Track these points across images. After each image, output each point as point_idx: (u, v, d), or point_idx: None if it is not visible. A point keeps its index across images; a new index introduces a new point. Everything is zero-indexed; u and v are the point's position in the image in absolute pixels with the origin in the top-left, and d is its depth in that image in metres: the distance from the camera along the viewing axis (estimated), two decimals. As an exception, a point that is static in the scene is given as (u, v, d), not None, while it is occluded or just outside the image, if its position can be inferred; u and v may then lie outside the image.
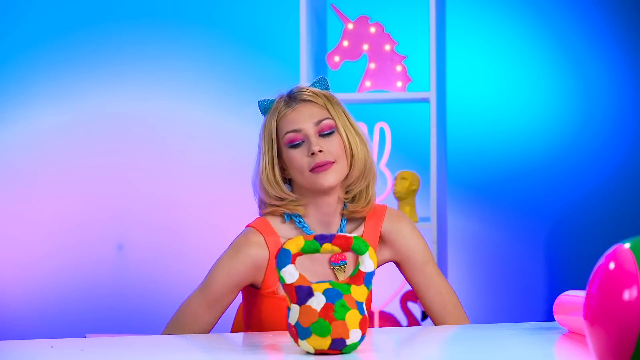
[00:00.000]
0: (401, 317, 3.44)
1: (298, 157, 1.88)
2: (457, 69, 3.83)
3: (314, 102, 1.92)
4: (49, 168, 3.86)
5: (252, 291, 1.94)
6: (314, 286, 1.50)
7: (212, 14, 3.91)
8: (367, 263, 1.53)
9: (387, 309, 3.48)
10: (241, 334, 1.76)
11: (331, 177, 1.88)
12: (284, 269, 1.51)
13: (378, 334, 1.72)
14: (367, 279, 1.52)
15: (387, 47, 3.23)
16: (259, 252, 1.90)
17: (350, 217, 1.96)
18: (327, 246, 1.53)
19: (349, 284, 1.51)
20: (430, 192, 3.18)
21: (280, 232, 1.92)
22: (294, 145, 1.89)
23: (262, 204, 1.97)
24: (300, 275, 1.51)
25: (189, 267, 3.85)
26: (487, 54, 3.90)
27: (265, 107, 1.95)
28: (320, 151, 1.86)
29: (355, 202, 1.94)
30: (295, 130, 1.89)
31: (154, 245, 3.84)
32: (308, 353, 1.51)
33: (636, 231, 3.70)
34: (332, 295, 1.50)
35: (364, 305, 1.52)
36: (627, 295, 1.11)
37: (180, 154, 3.87)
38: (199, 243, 3.85)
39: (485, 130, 3.86)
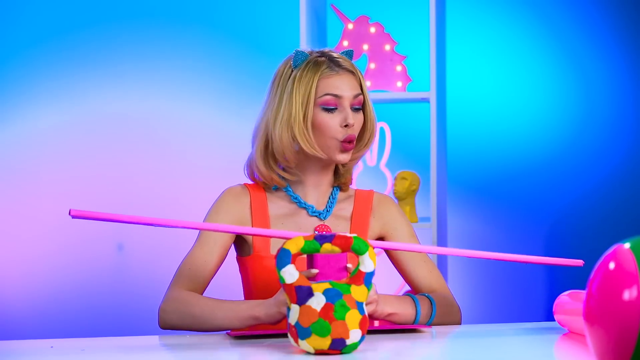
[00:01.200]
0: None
1: (331, 123, 1.88)
2: (457, 69, 3.83)
3: (354, 73, 1.92)
4: (49, 168, 3.86)
5: (243, 262, 1.97)
6: (314, 286, 1.50)
7: (212, 14, 3.91)
8: (367, 263, 1.52)
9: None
10: (245, 331, 1.76)
11: (348, 157, 1.91)
12: (284, 269, 1.51)
13: (377, 334, 1.72)
14: (367, 279, 1.52)
15: (387, 47, 3.23)
16: (242, 195, 1.95)
17: (339, 186, 2.00)
18: (327, 246, 1.53)
19: (349, 284, 1.51)
20: (430, 192, 3.18)
21: (270, 197, 1.96)
22: (328, 109, 1.89)
23: (252, 177, 1.98)
24: (300, 275, 1.51)
25: (189, 267, 3.85)
26: (487, 54, 3.90)
27: (302, 59, 1.93)
28: (353, 130, 1.89)
29: (347, 173, 1.99)
30: (335, 95, 1.88)
31: (154, 245, 3.84)
32: (308, 353, 1.51)
33: (636, 231, 3.70)
34: (332, 295, 1.50)
35: (364, 305, 1.52)
36: (627, 295, 1.11)
37: (180, 154, 3.87)
38: (199, 243, 3.85)
39: (485, 130, 3.86)
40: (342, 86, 1.90)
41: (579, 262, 1.77)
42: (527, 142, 3.86)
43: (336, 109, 1.89)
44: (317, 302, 1.49)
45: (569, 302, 1.65)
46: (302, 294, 1.50)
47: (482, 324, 2.11)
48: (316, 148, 1.90)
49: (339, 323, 1.48)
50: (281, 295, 1.68)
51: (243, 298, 2.00)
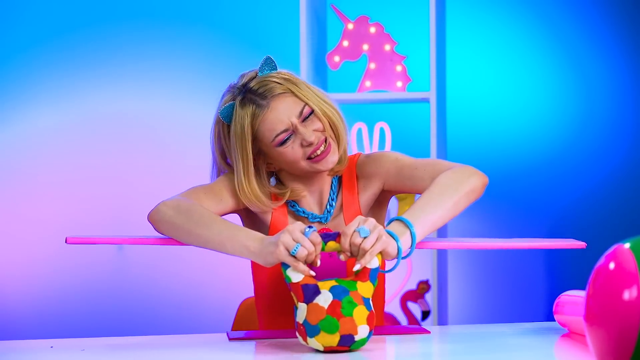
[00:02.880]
0: (401, 317, 3.44)
1: (290, 152, 1.80)
2: (457, 69, 3.83)
3: (282, 93, 1.81)
4: (49, 168, 3.86)
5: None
6: (320, 284, 1.50)
7: (212, 14, 3.91)
8: (372, 261, 1.53)
9: (387, 309, 3.48)
10: (243, 332, 1.76)
11: (331, 158, 1.82)
12: (289, 269, 1.52)
13: (377, 334, 1.72)
14: (372, 275, 1.53)
15: (387, 47, 3.23)
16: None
17: (334, 175, 1.90)
18: (331, 244, 1.54)
19: (354, 280, 1.52)
20: (430, 192, 3.18)
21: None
22: (283, 143, 1.80)
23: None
24: (306, 273, 1.51)
25: (188, 267, 3.85)
26: (487, 54, 3.90)
27: (227, 113, 1.88)
28: (317, 143, 1.80)
29: (340, 162, 1.88)
30: (284, 131, 1.79)
31: (154, 245, 3.84)
32: (317, 351, 1.51)
33: (636, 231, 3.70)
34: (338, 292, 1.50)
35: (371, 301, 1.53)
36: (627, 295, 1.11)
37: (180, 154, 3.87)
38: (199, 243, 3.85)
39: (485, 130, 3.86)
40: (281, 117, 1.80)
41: (582, 244, 1.75)
42: (527, 142, 3.86)
43: (291, 136, 1.80)
44: (324, 299, 1.49)
45: (569, 302, 1.65)
46: (308, 293, 1.50)
47: (482, 324, 2.11)
48: (294, 171, 1.84)
49: (347, 319, 1.48)
50: (282, 236, 1.55)
51: (253, 291, 1.97)
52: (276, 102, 1.81)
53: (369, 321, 1.50)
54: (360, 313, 1.49)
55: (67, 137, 3.86)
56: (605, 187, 3.84)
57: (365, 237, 1.54)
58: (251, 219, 1.92)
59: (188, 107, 3.88)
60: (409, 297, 3.38)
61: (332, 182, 1.92)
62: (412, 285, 3.45)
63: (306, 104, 1.80)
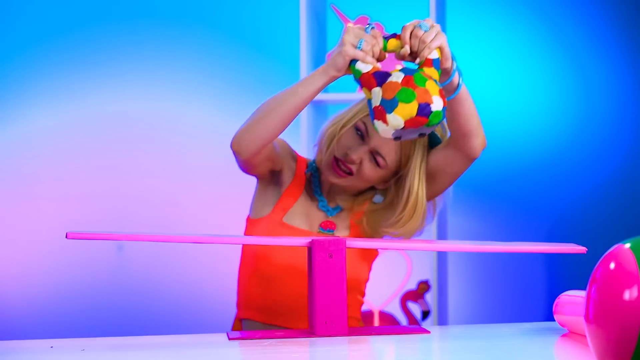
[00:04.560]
0: (401, 317, 3.44)
1: (342, 141, 1.90)
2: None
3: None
4: (49, 168, 3.85)
5: (254, 224, 1.98)
6: (390, 72, 1.59)
7: (212, 14, 3.91)
8: (433, 52, 1.62)
9: (387, 309, 3.48)
10: (243, 332, 1.76)
11: (337, 181, 1.93)
12: (358, 62, 1.61)
13: (377, 335, 1.72)
14: (435, 63, 1.61)
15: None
16: (291, 155, 2.02)
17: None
18: (392, 41, 1.65)
19: (422, 67, 1.60)
20: (430, 192, 3.18)
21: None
22: (358, 131, 1.90)
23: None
24: (374, 65, 1.61)
25: (188, 267, 3.85)
26: (487, 54, 3.90)
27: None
28: (354, 163, 1.89)
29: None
30: (367, 130, 1.90)
31: (154, 245, 3.84)
32: (396, 131, 1.57)
33: (636, 231, 3.70)
34: (408, 71, 1.58)
35: (438, 82, 1.60)
36: (627, 295, 1.11)
37: (180, 154, 3.87)
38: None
39: (485, 130, 3.86)
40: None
41: (582, 249, 1.77)
42: (527, 142, 3.86)
43: (362, 138, 1.90)
44: (396, 77, 1.58)
45: (569, 302, 1.65)
46: (380, 77, 1.59)
47: (482, 324, 2.11)
48: (321, 157, 1.95)
49: (421, 89, 1.55)
50: (344, 37, 1.66)
51: (238, 272, 2.02)
52: None
53: (442, 95, 1.57)
54: (432, 86, 1.57)
55: (67, 137, 3.86)
56: (605, 188, 3.84)
57: (426, 32, 1.64)
58: (268, 184, 2.00)
59: (188, 107, 3.88)
60: (409, 297, 3.37)
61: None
62: (412, 285, 3.45)
63: (406, 169, 1.90)
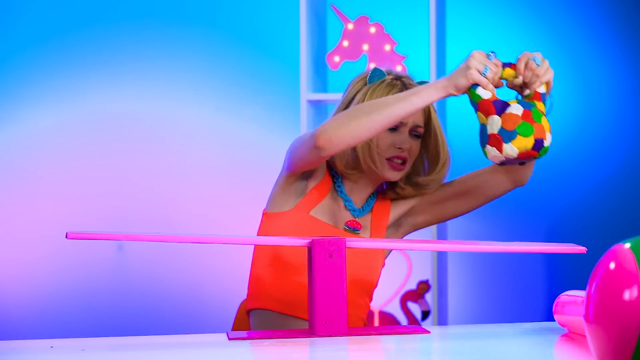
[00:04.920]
0: (401, 317, 3.44)
1: (384, 140, 1.96)
2: (457, 69, 3.82)
3: None
4: (49, 168, 3.85)
5: (275, 217, 1.98)
6: (508, 101, 1.69)
7: (212, 14, 3.91)
8: (541, 86, 1.72)
9: (387, 309, 3.48)
10: (243, 332, 1.76)
11: (398, 176, 1.98)
12: (479, 88, 1.69)
13: (377, 335, 1.72)
14: (543, 97, 1.71)
15: (387, 47, 3.23)
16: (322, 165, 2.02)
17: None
18: (508, 70, 1.74)
19: (531, 100, 1.70)
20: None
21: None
22: (389, 129, 1.94)
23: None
24: (493, 93, 1.70)
25: (189, 267, 3.85)
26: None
27: (377, 77, 2.00)
28: (405, 151, 1.96)
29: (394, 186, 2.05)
30: (400, 121, 1.91)
31: (154, 245, 3.84)
32: (506, 159, 1.68)
33: (636, 231, 3.70)
34: (526, 104, 1.69)
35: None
36: (627, 295, 1.11)
37: (180, 154, 3.87)
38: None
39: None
40: None
41: (582, 249, 1.79)
42: (527, 142, 3.86)
43: (396, 129, 1.96)
44: (516, 109, 1.68)
45: (569, 302, 1.65)
46: (499, 106, 1.69)
47: (482, 324, 2.11)
48: (368, 162, 1.97)
49: (538, 125, 1.67)
50: (471, 61, 1.74)
51: (250, 270, 2.02)
52: None
53: (550, 132, 1.69)
54: (545, 122, 1.69)
55: (67, 137, 3.86)
56: (605, 188, 3.84)
57: (538, 66, 1.75)
58: (296, 179, 1.99)
59: (188, 107, 3.88)
60: (409, 297, 3.37)
61: (373, 193, 2.06)
62: (412, 285, 3.45)
63: (430, 127, 2.01)
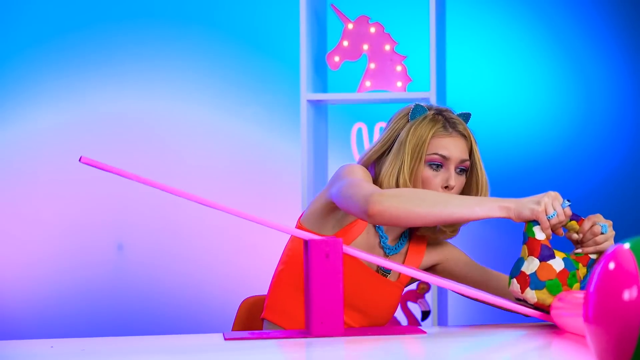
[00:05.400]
0: (401, 317, 3.44)
1: (433, 181, 1.93)
2: (457, 69, 3.83)
3: (466, 138, 1.97)
4: (49, 168, 3.86)
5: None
6: (555, 251, 1.72)
7: (212, 14, 3.91)
8: (595, 255, 1.75)
9: (387, 309, 3.48)
10: (239, 332, 1.76)
11: None
12: (536, 226, 1.72)
13: (373, 336, 1.72)
14: (589, 263, 1.73)
15: (387, 47, 3.23)
16: None
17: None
18: (572, 223, 1.77)
19: (577, 261, 1.73)
20: (430, 192, 3.18)
21: None
22: (433, 166, 1.93)
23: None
24: (546, 237, 1.71)
25: (189, 267, 3.85)
26: (487, 54, 3.90)
27: (420, 113, 1.96)
28: (452, 188, 1.95)
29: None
30: (443, 156, 1.93)
31: (154, 245, 3.84)
32: (521, 301, 1.72)
33: (636, 231, 3.70)
34: (569, 264, 1.71)
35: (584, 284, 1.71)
36: (627, 295, 1.11)
37: (180, 154, 3.87)
38: (199, 243, 3.85)
39: (485, 130, 3.86)
40: (451, 147, 1.94)
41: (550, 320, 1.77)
42: (528, 141, 3.86)
43: (441, 167, 1.94)
44: (557, 264, 1.70)
45: (568, 302, 1.65)
46: (545, 252, 1.71)
47: (481, 324, 2.11)
48: None
49: (567, 289, 1.69)
50: (546, 199, 1.77)
51: (273, 279, 2.01)
52: (457, 136, 1.97)
53: None
54: (576, 289, 1.69)
55: (67, 137, 3.86)
56: (605, 187, 3.84)
57: (602, 233, 1.77)
58: (335, 209, 1.96)
59: (188, 107, 3.88)
60: (409, 297, 3.37)
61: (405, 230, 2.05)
62: (412, 286, 3.45)
63: (471, 160, 1.98)
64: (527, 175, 3.84)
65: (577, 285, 1.69)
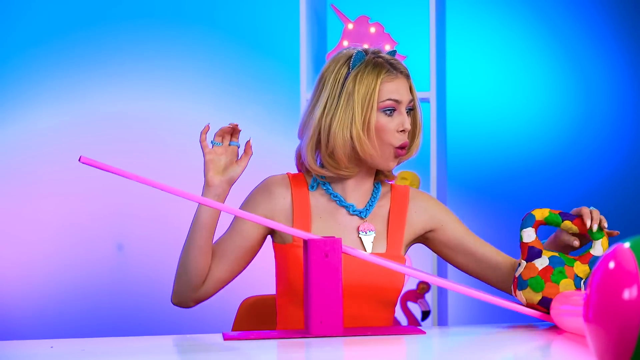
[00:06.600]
0: (401, 317, 3.44)
1: (389, 127, 1.87)
2: (457, 69, 3.83)
3: (408, 77, 1.95)
4: (49, 168, 3.85)
5: (279, 249, 1.94)
6: (544, 251, 1.73)
7: (212, 14, 3.91)
8: (598, 248, 1.72)
9: (387, 309, 3.48)
10: (238, 332, 1.76)
11: (397, 161, 1.92)
12: (525, 229, 1.72)
13: (372, 335, 1.72)
14: (592, 261, 1.71)
15: (387, 47, 3.23)
16: (284, 186, 1.97)
17: (379, 182, 1.99)
18: (567, 223, 1.74)
19: (574, 259, 1.71)
20: (430, 192, 3.18)
21: (311, 192, 1.95)
22: (388, 112, 1.88)
23: (301, 166, 1.99)
24: (536, 239, 1.71)
25: (189, 267, 3.85)
26: (487, 54, 3.90)
27: (359, 59, 1.89)
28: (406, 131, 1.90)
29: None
30: (396, 100, 1.88)
31: (154, 245, 3.84)
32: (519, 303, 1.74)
33: (636, 231, 3.70)
34: (555, 261, 1.72)
35: (582, 282, 1.70)
36: (627, 294, 1.11)
37: (180, 154, 3.87)
38: (199, 243, 3.85)
39: (485, 130, 3.86)
40: (401, 90, 1.90)
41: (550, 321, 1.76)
42: (527, 142, 3.86)
43: (394, 111, 1.89)
44: (541, 263, 1.71)
45: (568, 302, 1.65)
46: (532, 253, 1.73)
47: (481, 324, 2.11)
48: (372, 153, 1.88)
49: (551, 285, 1.70)
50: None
51: (275, 286, 1.99)
52: (402, 78, 1.93)
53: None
54: (566, 285, 1.69)
55: (67, 137, 3.86)
56: (605, 187, 3.84)
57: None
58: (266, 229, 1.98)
59: (188, 107, 3.88)
60: (409, 297, 3.37)
61: (374, 187, 1.98)
62: (412, 285, 3.45)
63: (414, 99, 1.93)
64: (527, 175, 3.84)
65: (565, 281, 1.70)
